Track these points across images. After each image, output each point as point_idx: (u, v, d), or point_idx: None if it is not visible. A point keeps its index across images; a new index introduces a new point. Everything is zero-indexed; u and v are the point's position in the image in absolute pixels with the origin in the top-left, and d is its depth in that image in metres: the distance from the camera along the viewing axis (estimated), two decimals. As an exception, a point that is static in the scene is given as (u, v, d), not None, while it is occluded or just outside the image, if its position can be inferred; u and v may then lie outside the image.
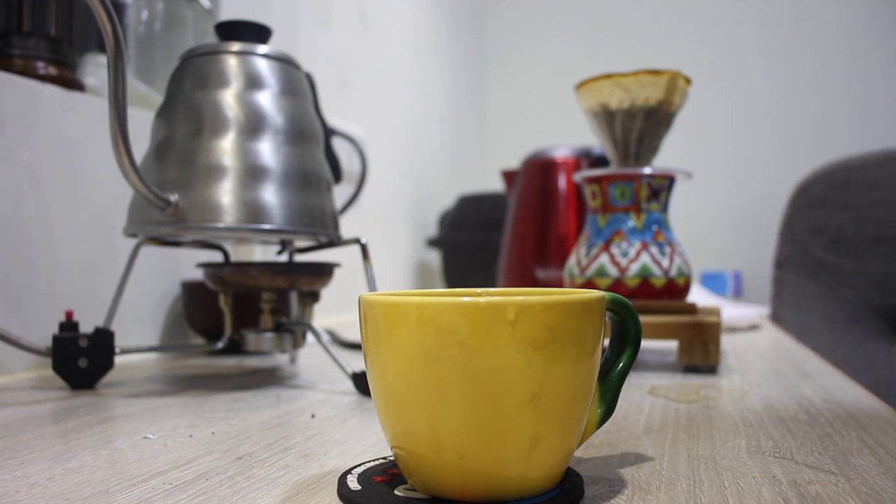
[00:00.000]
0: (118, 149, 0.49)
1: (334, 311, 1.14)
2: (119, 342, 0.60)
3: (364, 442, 0.41)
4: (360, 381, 0.56)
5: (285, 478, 0.34)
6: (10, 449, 0.39)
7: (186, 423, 0.45)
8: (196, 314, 0.81)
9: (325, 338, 0.77)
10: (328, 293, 0.76)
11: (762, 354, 0.77)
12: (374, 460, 0.35)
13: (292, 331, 0.63)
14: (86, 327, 0.59)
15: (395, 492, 0.30)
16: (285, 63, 0.60)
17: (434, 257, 1.73)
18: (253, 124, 0.56)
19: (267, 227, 0.55)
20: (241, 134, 0.56)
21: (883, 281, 0.96)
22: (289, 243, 0.69)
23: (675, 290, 0.69)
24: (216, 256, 0.85)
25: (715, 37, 2.13)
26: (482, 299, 0.27)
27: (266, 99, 0.57)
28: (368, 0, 1.42)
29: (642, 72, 0.68)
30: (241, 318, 0.67)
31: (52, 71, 0.69)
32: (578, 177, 0.73)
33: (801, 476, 0.34)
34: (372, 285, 0.60)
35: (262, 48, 0.58)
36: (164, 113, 0.58)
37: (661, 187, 0.70)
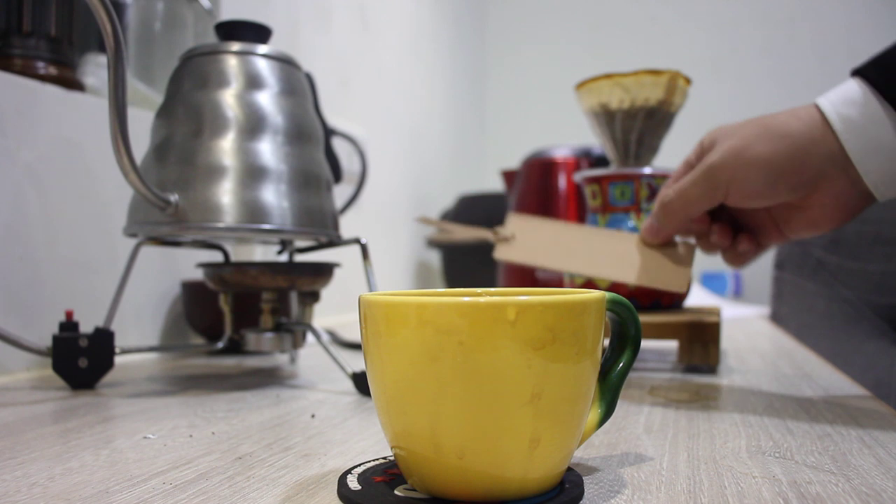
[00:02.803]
0: (118, 149, 0.49)
1: (334, 311, 1.14)
2: (119, 342, 0.60)
3: (364, 442, 0.41)
4: (360, 381, 0.56)
5: (285, 478, 0.34)
6: (10, 449, 0.39)
7: (186, 423, 0.45)
8: (196, 314, 0.80)
9: (325, 338, 0.77)
10: (328, 293, 0.76)
11: (762, 354, 0.77)
12: (374, 460, 0.35)
13: (292, 331, 0.63)
14: (86, 327, 0.59)
15: (395, 492, 0.30)
16: (285, 63, 0.60)
17: (434, 257, 1.73)
18: (253, 124, 0.56)
19: (267, 227, 0.55)
20: (241, 134, 0.56)
21: (883, 281, 0.96)
22: (289, 243, 0.69)
23: (675, 290, 0.69)
24: (216, 256, 0.85)
25: (715, 37, 2.13)
26: (482, 299, 0.27)
27: (266, 99, 0.57)
28: (368, 0, 1.42)
29: (642, 72, 0.68)
30: (241, 318, 0.67)
31: (52, 71, 0.69)
32: (578, 177, 0.73)
33: (801, 476, 0.34)
34: (372, 285, 0.60)
35: (262, 48, 0.58)
36: (164, 113, 0.58)
37: (661, 187, 0.70)
